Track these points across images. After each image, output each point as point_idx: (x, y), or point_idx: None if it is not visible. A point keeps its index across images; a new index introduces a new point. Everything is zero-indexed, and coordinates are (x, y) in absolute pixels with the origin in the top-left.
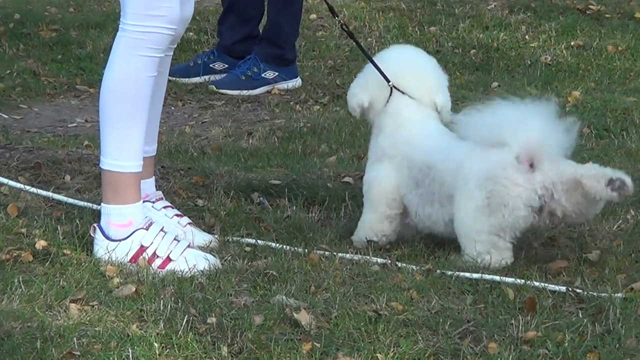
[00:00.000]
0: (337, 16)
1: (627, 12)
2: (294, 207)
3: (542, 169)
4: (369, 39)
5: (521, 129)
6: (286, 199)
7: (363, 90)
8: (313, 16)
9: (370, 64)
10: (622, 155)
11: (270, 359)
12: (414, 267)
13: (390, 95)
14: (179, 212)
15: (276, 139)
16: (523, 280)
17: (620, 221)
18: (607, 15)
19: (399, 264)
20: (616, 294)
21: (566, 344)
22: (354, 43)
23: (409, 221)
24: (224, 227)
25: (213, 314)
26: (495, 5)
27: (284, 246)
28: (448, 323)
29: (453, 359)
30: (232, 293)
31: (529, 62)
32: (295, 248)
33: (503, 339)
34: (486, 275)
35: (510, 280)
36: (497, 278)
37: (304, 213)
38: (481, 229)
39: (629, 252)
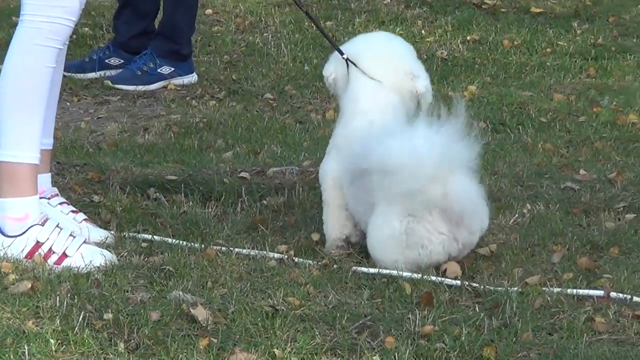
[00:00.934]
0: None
1: (522, 7)
2: (190, 203)
3: (467, 226)
4: (265, 34)
5: (455, 188)
6: (182, 194)
7: (330, 62)
8: (209, 11)
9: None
10: (518, 149)
11: (167, 354)
12: (310, 262)
13: (348, 71)
14: (74, 209)
15: (172, 135)
16: (420, 275)
17: (517, 215)
18: (502, 10)
19: (296, 259)
20: (513, 288)
21: (463, 338)
22: (306, 15)
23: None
24: (120, 223)
25: (109, 310)
26: (391, 0)
27: (181, 242)
28: (345, 318)
29: (350, 354)
30: (128, 289)
31: (425, 57)
32: (192, 244)
33: (400, 334)
34: (383, 270)
35: (407, 274)
36: (395, 272)
37: (200, 208)
38: (397, 259)
39: (525, 246)
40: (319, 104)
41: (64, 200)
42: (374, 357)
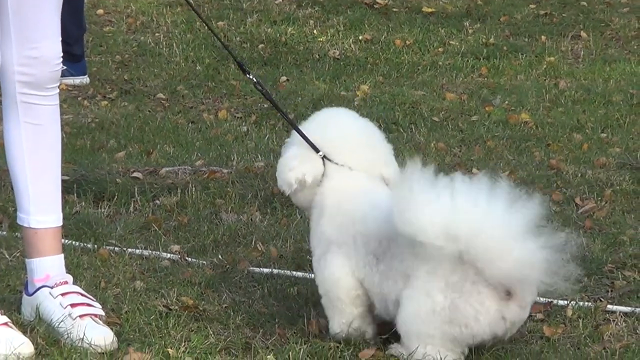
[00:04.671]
0: (249, 73)
1: (414, 6)
2: (83, 203)
3: (519, 299)
4: (157, 34)
5: (507, 250)
6: (75, 194)
7: (304, 162)
8: (100, 11)
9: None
10: (411, 148)
11: (61, 355)
12: (204, 262)
13: (324, 168)
14: None
15: (64, 135)
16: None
17: None
18: (394, 10)
19: (189, 259)
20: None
21: None
22: (277, 110)
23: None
24: (12, 223)
25: (3, 311)
26: (283, 0)
27: (73, 242)
28: (239, 317)
29: (244, 353)
30: (21, 289)
31: (317, 57)
32: (85, 244)
33: (294, 332)
34: (277, 270)
35: (299, 274)
36: (288, 272)
37: (93, 209)
38: (433, 334)
39: None
40: (211, 104)
41: None
42: (268, 357)
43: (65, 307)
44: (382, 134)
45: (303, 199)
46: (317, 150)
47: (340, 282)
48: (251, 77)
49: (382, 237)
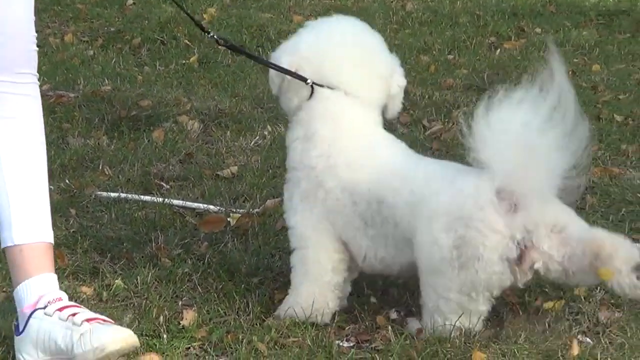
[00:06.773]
0: (209, 32)
1: None
2: None
3: (527, 209)
4: None
5: (508, 152)
6: None
7: (292, 55)
8: None
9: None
10: (259, 71)
11: None
12: (51, 187)
13: (312, 91)
14: None
15: None
16: (184, 201)
17: (258, 137)
18: None
19: None
20: (254, 210)
21: (207, 258)
22: (254, 60)
23: (353, 266)
24: None
25: None
26: None
27: None
28: (87, 241)
29: (92, 278)
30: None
31: None
32: None
33: (142, 256)
34: (124, 194)
35: (147, 198)
36: (136, 196)
37: None
38: (448, 285)
39: (266, 168)
40: (57, 28)
41: None
42: (117, 281)
43: (67, 318)
44: (382, 43)
45: (285, 103)
46: (304, 80)
47: (321, 241)
48: (213, 35)
49: (372, 199)
